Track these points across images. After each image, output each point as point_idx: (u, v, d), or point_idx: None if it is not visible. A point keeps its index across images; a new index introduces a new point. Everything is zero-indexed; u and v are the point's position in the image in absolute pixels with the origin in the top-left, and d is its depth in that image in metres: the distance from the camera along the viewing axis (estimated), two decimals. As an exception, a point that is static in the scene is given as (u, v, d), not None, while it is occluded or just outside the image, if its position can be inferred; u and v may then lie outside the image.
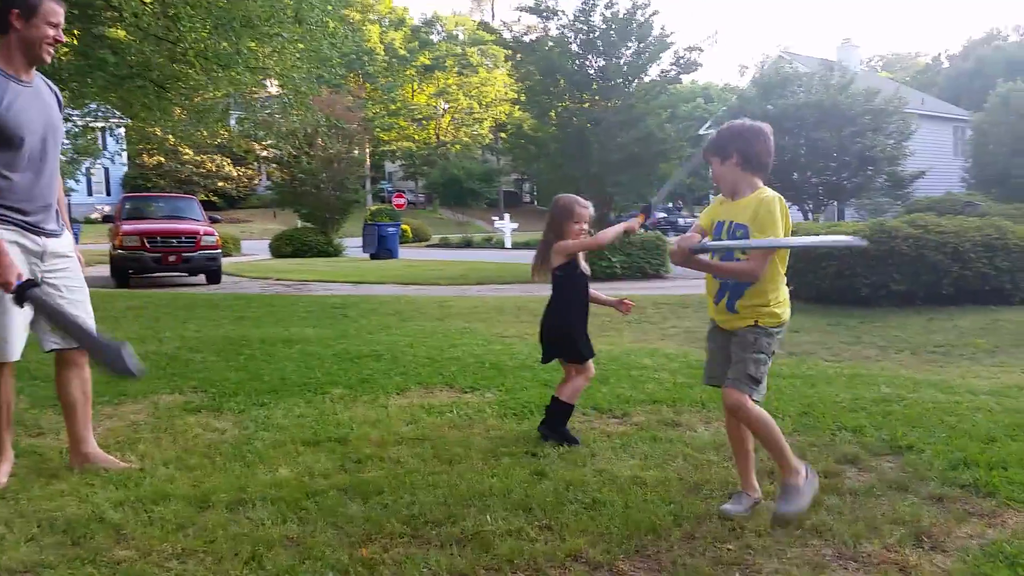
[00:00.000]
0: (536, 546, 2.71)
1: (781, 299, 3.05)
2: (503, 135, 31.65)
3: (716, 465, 3.55)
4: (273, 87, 13.01)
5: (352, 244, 26.78)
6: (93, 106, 12.86)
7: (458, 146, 56.44)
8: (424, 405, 4.82)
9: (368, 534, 2.82)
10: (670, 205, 54.96)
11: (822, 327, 8.32)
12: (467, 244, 33.47)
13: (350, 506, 3.08)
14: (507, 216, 34.80)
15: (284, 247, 25.56)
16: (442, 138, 56.96)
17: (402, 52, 54.34)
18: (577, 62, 15.61)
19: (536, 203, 59.02)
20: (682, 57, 15.48)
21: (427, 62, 54.12)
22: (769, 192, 2.98)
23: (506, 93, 44.21)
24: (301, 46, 10.35)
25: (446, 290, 13.36)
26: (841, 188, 27.38)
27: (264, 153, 30.14)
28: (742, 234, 2.95)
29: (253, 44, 9.83)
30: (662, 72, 15.90)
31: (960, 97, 44.38)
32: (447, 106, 57.71)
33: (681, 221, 48.75)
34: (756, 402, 2.94)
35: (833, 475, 3.39)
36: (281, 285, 15.05)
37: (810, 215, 27.90)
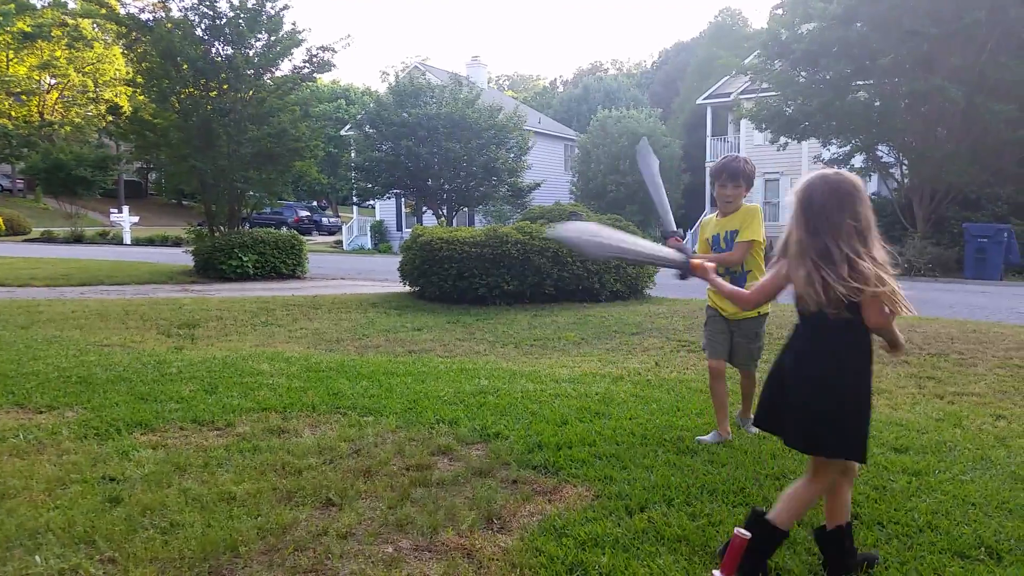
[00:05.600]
0: (93, 583, 2.40)
1: None
2: (110, 118, 28.36)
3: (314, 470, 3.50)
4: None
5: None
6: None
7: (68, 128, 49.59)
8: (-20, 430, 4.08)
9: None
10: (314, 203, 54.39)
11: (442, 325, 8.78)
12: (77, 239, 29.66)
13: None
14: (126, 209, 31.55)
15: None
16: (47, 117, 49.62)
17: (-8, 13, 46.17)
18: (202, 48, 14.62)
19: (162, 195, 54.24)
20: (315, 55, 15.31)
21: (27, 29, 46.67)
22: (753, 203, 4.12)
23: (127, 73, 39.91)
24: None
25: (39, 292, 11.63)
26: (471, 196, 29.37)
27: None
28: (735, 237, 4.03)
29: None
30: (295, 68, 15.57)
31: (571, 119, 50.25)
32: (54, 81, 50.44)
33: (326, 221, 48.55)
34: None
35: (424, 467, 3.53)
36: None
37: (444, 219, 29.50)
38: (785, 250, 2.42)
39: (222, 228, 15.67)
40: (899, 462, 3.66)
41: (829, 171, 2.43)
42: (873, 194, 24.81)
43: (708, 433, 4.12)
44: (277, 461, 3.63)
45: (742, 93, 28.17)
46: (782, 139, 21.95)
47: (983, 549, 2.71)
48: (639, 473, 3.46)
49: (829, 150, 22.28)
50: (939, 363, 6.35)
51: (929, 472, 3.53)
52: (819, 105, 20.15)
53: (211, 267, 14.48)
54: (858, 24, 19.47)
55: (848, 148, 21.42)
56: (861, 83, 20.29)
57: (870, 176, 24.25)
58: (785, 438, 2.48)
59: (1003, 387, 5.53)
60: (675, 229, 3.93)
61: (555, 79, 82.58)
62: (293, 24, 16.17)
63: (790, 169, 29.98)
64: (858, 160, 21.91)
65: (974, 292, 14.14)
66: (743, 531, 1.91)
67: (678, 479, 3.38)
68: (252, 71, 15.32)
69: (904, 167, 21.01)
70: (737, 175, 4.01)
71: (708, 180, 33.27)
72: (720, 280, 3.10)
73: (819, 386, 2.36)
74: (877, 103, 20.20)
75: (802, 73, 20.76)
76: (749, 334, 4.16)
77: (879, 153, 21.36)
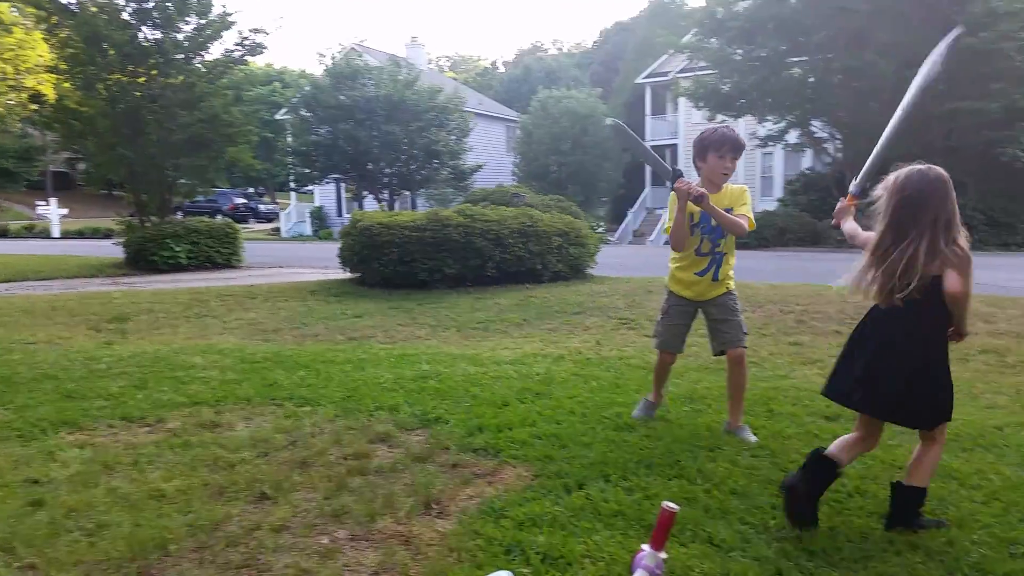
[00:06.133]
0: (12, 590, 2.31)
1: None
2: (34, 107, 27.17)
3: (248, 464, 3.42)
4: None
5: None
6: None
7: (-12, 117, 47.51)
8: None
9: None
10: (251, 190, 53.21)
11: (384, 310, 8.69)
12: (2, 234, 28.57)
13: None
14: (54, 201, 30.42)
15: None
16: (-35, 106, 47.46)
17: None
18: (129, 32, 14.10)
19: (91, 186, 52.37)
20: (247, 38, 14.91)
21: (-62, 13, 44.43)
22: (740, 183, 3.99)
23: (51, 60, 38.36)
24: None
25: (-39, 290, 11.14)
26: (412, 179, 29.09)
27: None
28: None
29: None
30: (226, 52, 15.15)
31: (512, 100, 50.08)
32: (-30, 68, 48.22)
33: (263, 208, 47.54)
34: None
35: (363, 456, 3.48)
36: None
37: (385, 204, 29.18)
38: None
39: (153, 218, 15.21)
40: (830, 429, 3.74)
41: (923, 166, 2.60)
42: (807, 169, 25.43)
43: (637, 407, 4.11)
44: (209, 456, 3.54)
45: (680, 72, 28.50)
46: (719, 117, 22.27)
47: (908, 511, 2.79)
48: (578, 451, 3.47)
49: (765, 127, 22.69)
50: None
51: (859, 439, 3.62)
52: (755, 82, 20.51)
53: (142, 259, 14.06)
54: (792, 1, 19.82)
55: (783, 124, 21.85)
56: (795, 60, 20.70)
57: (804, 151, 24.80)
58: (910, 421, 2.73)
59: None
60: (676, 168, 3.67)
61: (496, 60, 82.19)
62: (224, 7, 15.78)
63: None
64: (793, 136, 22.38)
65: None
66: (670, 504, 1.93)
67: (616, 455, 3.40)
68: (182, 55, 14.87)
69: (838, 141, 21.52)
70: (741, 148, 3.77)
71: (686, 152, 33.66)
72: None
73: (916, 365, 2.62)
74: (811, 79, 20.64)
75: (738, 51, 21.07)
76: (727, 309, 3.79)
77: (813, 129, 21.84)
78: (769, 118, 21.92)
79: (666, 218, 3.79)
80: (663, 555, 1.97)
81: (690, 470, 3.21)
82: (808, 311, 7.51)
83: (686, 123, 31.65)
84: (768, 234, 20.24)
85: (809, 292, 8.72)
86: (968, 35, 17.82)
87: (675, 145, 33.15)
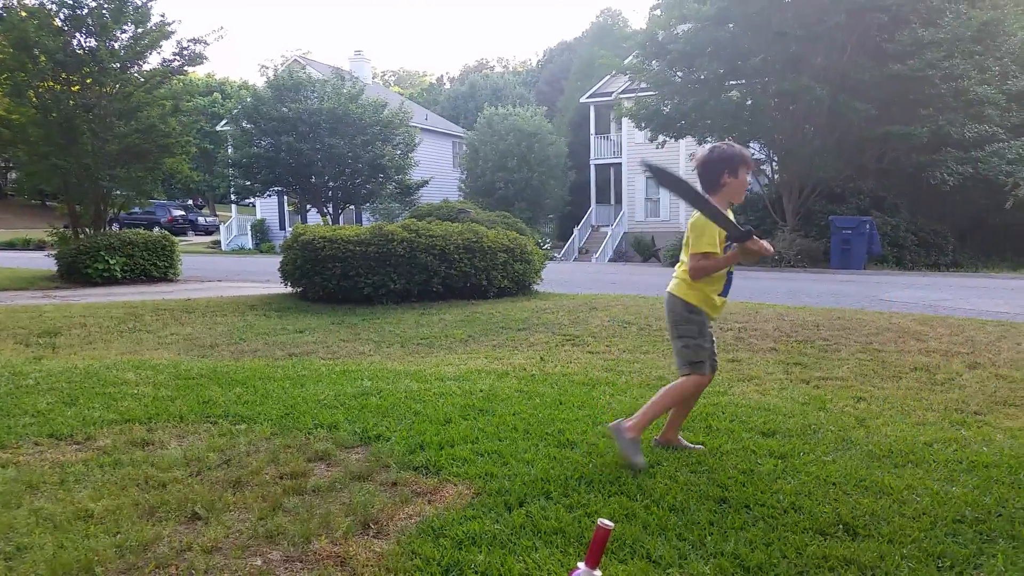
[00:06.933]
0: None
1: None
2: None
3: (180, 483, 3.31)
4: None
5: None
6: None
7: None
8: None
9: None
10: (189, 202, 52.05)
11: (326, 326, 8.57)
12: (-76, 245, 27.31)
13: None
14: (-18, 212, 29.36)
15: None
16: None
17: None
18: (62, 39, 13.71)
19: (23, 196, 50.58)
20: (186, 48, 14.63)
21: None
22: None
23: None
24: None
25: None
26: (357, 193, 28.87)
27: None
28: None
29: None
30: (164, 61, 14.84)
31: (459, 116, 50.26)
32: None
33: (202, 220, 46.55)
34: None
35: (300, 475, 3.41)
36: None
37: (329, 218, 28.87)
38: None
39: (88, 230, 14.76)
40: (766, 445, 3.81)
41: None
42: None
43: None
44: (140, 475, 3.42)
45: (623, 92, 28.96)
46: (660, 137, 22.67)
47: (841, 526, 2.85)
48: (520, 468, 3.46)
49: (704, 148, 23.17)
50: (805, 349, 6.69)
51: (794, 454, 3.69)
52: (694, 104, 20.94)
53: (76, 271, 13.62)
54: (730, 25, 20.34)
55: (723, 145, 22.32)
56: (734, 83, 21.22)
57: (743, 172, 25.32)
58: None
59: (864, 371, 5.88)
60: (748, 227, 3.50)
61: (442, 76, 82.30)
62: (162, 15, 15.57)
63: (669, 166, 30.91)
64: (732, 157, 22.87)
65: (840, 281, 15.03)
66: (606, 522, 1.93)
67: (557, 472, 3.40)
68: (118, 64, 14.50)
69: (774, 163, 22.11)
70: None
71: (630, 171, 34.04)
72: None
73: None
74: (749, 102, 21.18)
75: (678, 73, 21.51)
76: None
77: (751, 150, 22.36)
78: (709, 139, 22.36)
79: (698, 244, 3.57)
80: (598, 573, 1.97)
81: (630, 486, 3.22)
82: (746, 328, 7.66)
83: (629, 143, 32.14)
84: (709, 252, 20.60)
85: (747, 310, 8.90)
86: (897, 63, 18.57)
87: (619, 164, 33.60)
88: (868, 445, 3.86)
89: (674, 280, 3.76)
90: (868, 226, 19.14)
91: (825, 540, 2.73)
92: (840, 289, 12.96)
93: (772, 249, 3.52)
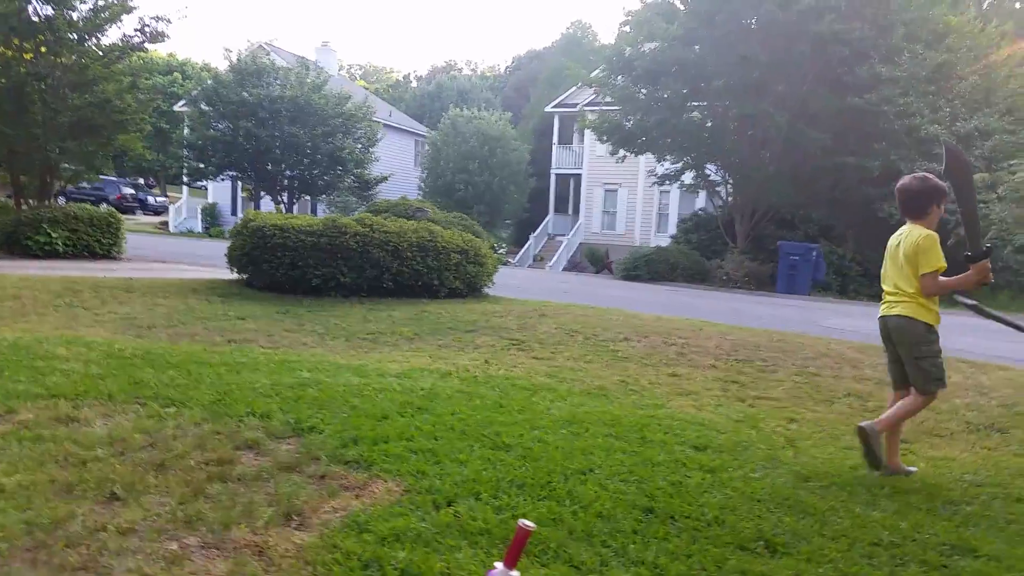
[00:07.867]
0: None
1: None
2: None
3: (101, 462, 3.22)
4: None
5: None
6: None
7: None
8: None
9: None
10: (140, 181, 50.82)
11: (270, 314, 8.43)
12: None
13: None
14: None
15: None
16: None
17: None
18: (16, 4, 13.30)
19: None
20: (148, 25, 14.30)
21: None
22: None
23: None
24: None
25: None
26: (314, 184, 28.51)
27: None
28: None
29: None
30: (125, 36, 14.48)
31: (423, 115, 50.01)
32: None
33: (152, 200, 45.47)
34: None
35: (226, 462, 3.34)
36: None
37: (283, 207, 28.47)
38: None
39: (31, 201, 14.30)
40: (697, 459, 3.86)
41: None
42: (700, 210, 26.44)
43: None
44: (60, 451, 3.32)
45: (588, 105, 29.17)
46: (621, 152, 22.89)
47: (762, 542, 2.90)
48: (452, 468, 3.45)
49: (663, 165, 23.49)
50: (744, 368, 6.80)
51: (723, 469, 3.75)
52: (656, 122, 21.20)
53: (15, 243, 13.16)
54: (696, 47, 20.65)
55: (680, 165, 22.66)
56: (696, 103, 21.54)
57: (698, 192, 25.78)
58: None
59: (799, 393, 6.00)
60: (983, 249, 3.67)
61: (409, 74, 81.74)
62: (124, -11, 15.03)
63: (628, 181, 31.34)
64: (688, 176, 23.23)
65: (784, 305, 15.33)
66: (527, 523, 1.93)
67: (490, 473, 3.39)
68: (75, 35, 14.09)
69: (730, 185, 22.48)
70: None
71: (590, 181, 34.22)
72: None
73: None
74: (709, 123, 21.53)
75: (642, 90, 21.75)
76: None
77: (708, 171, 22.74)
78: (668, 157, 22.68)
79: (934, 263, 3.76)
80: (515, 573, 1.97)
81: (560, 491, 3.23)
82: (689, 344, 7.76)
83: (590, 155, 32.37)
84: (660, 269, 20.90)
85: (691, 326, 9.02)
86: (855, 95, 19.06)
87: (579, 175, 33.82)
88: (796, 465, 3.94)
89: (902, 304, 3.86)
90: (815, 253, 19.58)
91: (745, 555, 2.77)
92: (783, 313, 13.21)
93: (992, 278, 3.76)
